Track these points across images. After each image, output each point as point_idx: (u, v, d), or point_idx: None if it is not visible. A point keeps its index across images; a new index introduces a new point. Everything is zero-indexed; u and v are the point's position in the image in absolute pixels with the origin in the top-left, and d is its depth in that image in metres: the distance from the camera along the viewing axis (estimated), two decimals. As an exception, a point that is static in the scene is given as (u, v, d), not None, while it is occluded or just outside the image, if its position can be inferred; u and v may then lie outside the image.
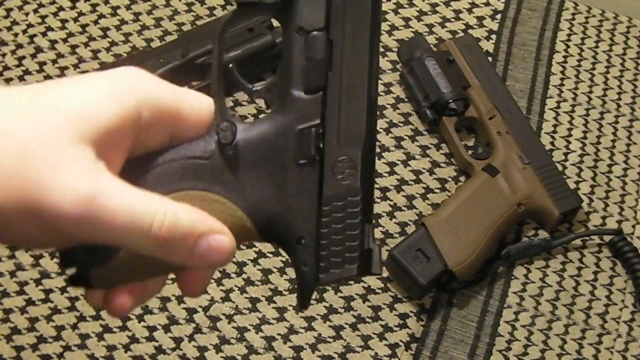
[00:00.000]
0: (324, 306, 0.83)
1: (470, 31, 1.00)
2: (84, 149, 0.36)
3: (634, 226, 0.90)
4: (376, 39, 0.44)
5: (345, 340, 0.81)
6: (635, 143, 0.95)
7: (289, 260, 0.41)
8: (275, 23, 0.96)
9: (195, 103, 0.42)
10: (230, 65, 0.48)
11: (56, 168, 0.35)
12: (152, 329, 0.80)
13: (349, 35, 0.43)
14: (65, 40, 0.97)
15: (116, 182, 0.37)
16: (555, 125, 0.95)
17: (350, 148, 0.43)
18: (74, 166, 0.35)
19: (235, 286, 0.83)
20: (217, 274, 0.83)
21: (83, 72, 0.94)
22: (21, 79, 0.94)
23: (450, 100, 0.91)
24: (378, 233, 0.86)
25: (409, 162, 0.91)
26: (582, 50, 1.01)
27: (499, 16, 1.02)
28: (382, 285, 0.84)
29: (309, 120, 0.43)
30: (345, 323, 0.82)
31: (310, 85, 0.43)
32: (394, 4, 1.02)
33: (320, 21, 0.43)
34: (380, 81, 0.96)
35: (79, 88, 0.37)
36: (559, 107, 0.97)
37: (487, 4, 1.03)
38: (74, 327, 0.80)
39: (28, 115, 0.36)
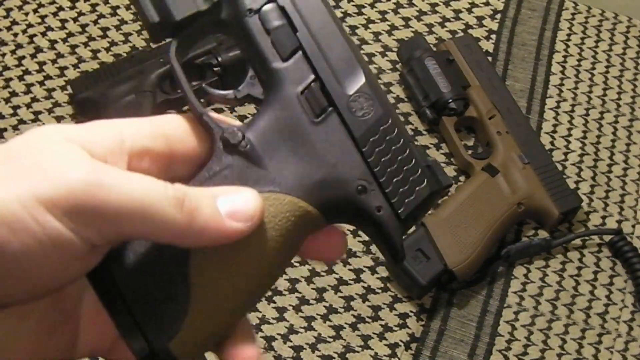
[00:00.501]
0: (324, 306, 0.83)
1: (470, 31, 1.00)
2: (73, 145, 0.35)
3: (633, 226, 0.90)
4: None
5: (345, 340, 0.81)
6: (634, 143, 0.95)
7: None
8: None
9: (180, 132, 0.40)
10: (203, 84, 0.47)
11: (52, 157, 0.34)
12: (152, 328, 0.80)
13: None
14: (65, 40, 0.97)
15: (115, 168, 0.35)
16: (555, 125, 0.95)
17: (355, 82, 0.43)
18: (70, 154, 0.34)
19: (235, 286, 0.83)
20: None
21: (82, 71, 0.94)
22: (21, 79, 0.94)
23: (450, 100, 0.91)
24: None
25: (408, 162, 0.91)
26: (581, 50, 1.01)
27: (498, 16, 1.02)
28: (382, 285, 0.84)
29: (303, 80, 0.42)
30: (345, 323, 0.82)
31: (285, 51, 0.43)
32: (394, 3, 1.02)
33: None
34: (380, 81, 0.96)
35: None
36: (558, 106, 0.97)
37: (487, 4, 1.03)
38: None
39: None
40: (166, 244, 0.36)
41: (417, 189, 0.42)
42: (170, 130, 0.40)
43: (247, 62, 0.44)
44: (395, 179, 0.42)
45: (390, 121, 0.42)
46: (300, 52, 0.43)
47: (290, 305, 0.82)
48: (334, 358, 0.80)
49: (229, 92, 0.44)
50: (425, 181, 0.42)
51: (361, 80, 0.43)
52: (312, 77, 0.43)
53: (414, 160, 0.42)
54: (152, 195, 0.34)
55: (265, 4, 0.43)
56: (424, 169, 0.42)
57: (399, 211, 0.41)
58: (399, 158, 0.42)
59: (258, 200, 0.38)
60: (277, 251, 0.39)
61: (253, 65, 0.44)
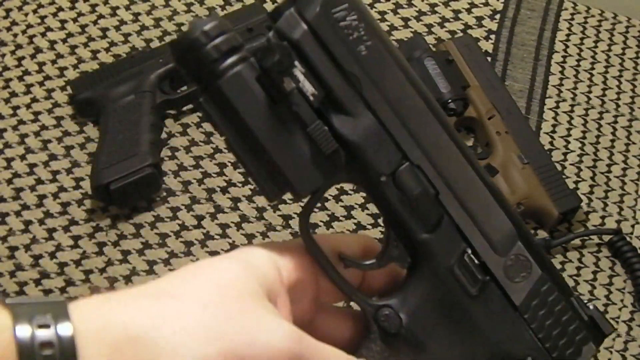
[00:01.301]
0: (324, 306, 0.83)
1: (469, 31, 1.00)
2: (265, 302, 0.36)
3: (633, 226, 0.90)
4: (454, 130, 0.41)
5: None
6: (634, 143, 0.95)
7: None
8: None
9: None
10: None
11: (255, 317, 0.35)
12: (151, 329, 0.80)
13: (429, 147, 0.40)
14: (64, 41, 0.97)
15: (312, 339, 0.37)
16: (554, 125, 0.95)
17: (509, 243, 0.40)
18: (269, 315, 0.35)
19: (235, 286, 0.83)
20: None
21: (82, 72, 0.94)
22: (21, 79, 0.94)
23: (450, 100, 0.91)
24: (377, 233, 0.86)
25: (408, 162, 0.91)
26: (581, 50, 1.01)
27: (498, 16, 1.02)
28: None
29: (454, 251, 0.39)
30: (345, 323, 0.82)
31: (431, 222, 0.39)
32: (393, 4, 1.02)
33: (397, 156, 0.39)
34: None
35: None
36: (558, 107, 0.97)
37: (486, 4, 1.03)
38: (74, 327, 0.80)
39: (206, 285, 0.36)
40: None
41: (584, 348, 0.40)
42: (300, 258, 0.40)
43: (385, 223, 0.41)
44: (559, 342, 0.40)
45: (549, 283, 0.40)
46: (446, 218, 0.40)
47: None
48: (334, 358, 0.80)
49: (372, 262, 0.41)
50: (591, 338, 0.40)
51: (515, 240, 0.40)
52: (464, 245, 0.40)
53: (576, 317, 0.40)
54: None
55: (399, 165, 0.39)
56: (587, 324, 0.40)
57: None
58: (563, 319, 0.40)
59: None
60: None
61: (394, 228, 0.40)
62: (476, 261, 0.40)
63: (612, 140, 0.95)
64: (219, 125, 0.38)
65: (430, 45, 0.96)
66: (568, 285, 0.41)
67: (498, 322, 0.39)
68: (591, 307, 0.41)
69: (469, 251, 0.40)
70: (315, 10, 0.38)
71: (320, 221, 0.86)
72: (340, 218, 0.87)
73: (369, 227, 0.86)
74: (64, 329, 0.32)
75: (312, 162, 0.38)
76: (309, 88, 0.38)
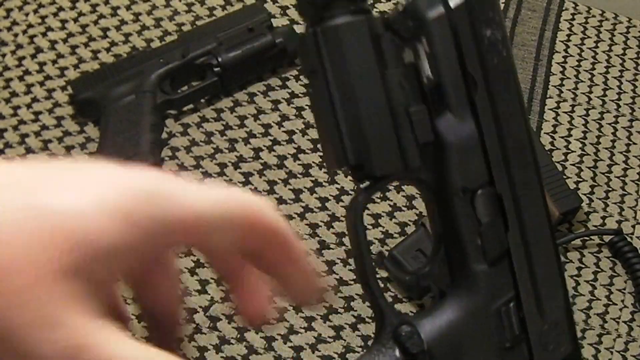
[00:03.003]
0: (324, 306, 0.83)
1: (470, 31, 1.00)
2: (76, 284, 0.29)
3: (633, 226, 0.90)
4: (541, 181, 0.38)
5: (345, 340, 0.81)
6: (635, 143, 0.95)
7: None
8: (275, 23, 0.96)
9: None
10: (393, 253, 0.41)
11: (42, 309, 0.28)
12: (152, 329, 0.80)
13: (518, 183, 0.37)
14: (65, 41, 0.97)
15: (110, 331, 0.30)
16: (555, 126, 0.95)
17: (552, 308, 0.38)
18: (63, 309, 0.28)
19: (235, 286, 0.83)
20: (217, 275, 0.83)
21: (83, 72, 0.94)
22: (21, 79, 0.94)
23: (450, 101, 0.90)
24: (378, 233, 0.86)
25: (408, 162, 0.91)
26: (581, 50, 1.01)
27: (498, 16, 1.02)
28: (382, 285, 0.84)
29: (502, 295, 0.37)
30: (345, 323, 0.82)
31: (492, 255, 0.37)
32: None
33: (483, 177, 0.37)
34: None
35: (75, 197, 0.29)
36: (558, 107, 0.97)
37: (487, 4, 1.03)
38: (74, 327, 0.80)
39: (19, 225, 0.28)
40: None
41: None
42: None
43: (439, 239, 0.38)
44: None
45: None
46: (506, 260, 0.37)
47: (290, 305, 0.82)
48: (334, 358, 0.80)
49: (411, 275, 0.38)
50: None
51: (561, 308, 0.38)
52: (512, 294, 0.37)
53: None
54: None
55: (483, 187, 0.37)
56: None
57: None
58: None
59: None
60: None
61: (447, 246, 0.38)
62: (518, 315, 0.38)
63: (613, 141, 0.95)
64: (320, 64, 0.35)
65: (431, 46, 0.96)
66: None
67: None
68: None
69: (515, 302, 0.38)
70: (460, 1, 0.36)
71: (321, 221, 0.86)
72: (341, 218, 0.87)
73: (369, 227, 0.86)
74: None
75: (401, 144, 0.35)
76: (426, 69, 0.36)
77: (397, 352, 0.35)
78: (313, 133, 0.91)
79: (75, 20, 0.98)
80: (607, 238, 0.88)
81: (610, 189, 0.92)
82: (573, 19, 1.03)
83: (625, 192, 0.92)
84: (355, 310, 0.83)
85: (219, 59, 0.90)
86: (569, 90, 0.98)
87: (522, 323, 0.37)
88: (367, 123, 0.35)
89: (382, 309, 0.36)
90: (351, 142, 0.35)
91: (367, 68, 0.35)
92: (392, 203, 0.89)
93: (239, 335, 0.80)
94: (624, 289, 0.86)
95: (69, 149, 0.89)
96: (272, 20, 0.95)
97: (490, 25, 0.37)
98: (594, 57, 1.01)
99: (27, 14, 0.98)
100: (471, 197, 0.37)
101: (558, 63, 1.00)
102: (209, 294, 0.82)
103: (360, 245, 0.36)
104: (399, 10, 0.36)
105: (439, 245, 0.38)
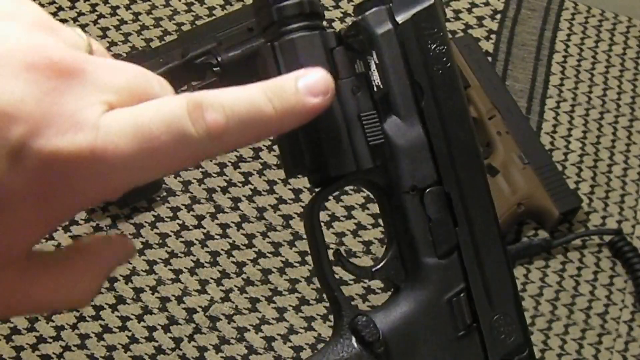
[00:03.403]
0: (324, 306, 0.83)
1: (470, 31, 1.00)
2: None
3: (633, 226, 0.90)
4: (486, 180, 0.41)
5: (345, 340, 0.81)
6: (635, 143, 0.95)
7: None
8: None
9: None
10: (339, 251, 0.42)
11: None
12: (151, 329, 0.80)
13: (465, 182, 0.40)
14: (64, 40, 0.96)
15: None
16: (555, 125, 0.95)
17: (503, 302, 0.40)
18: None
19: (235, 286, 0.83)
20: (216, 274, 0.83)
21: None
22: (20, 79, 0.93)
23: (450, 100, 0.90)
24: (378, 233, 0.86)
25: (408, 162, 0.91)
26: (581, 50, 1.01)
27: (498, 16, 1.02)
28: (382, 285, 0.84)
29: (453, 287, 0.39)
30: (345, 323, 0.82)
31: (442, 249, 0.39)
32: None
33: (432, 177, 0.40)
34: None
35: None
36: (558, 107, 0.97)
37: (487, 4, 1.03)
38: (74, 327, 0.80)
39: None
40: None
41: None
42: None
43: (391, 237, 0.41)
44: None
45: (526, 353, 0.40)
46: (456, 253, 0.40)
47: (290, 305, 0.82)
48: (334, 358, 0.80)
49: (365, 269, 0.41)
50: None
51: (510, 300, 0.40)
52: (462, 285, 0.40)
53: None
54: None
55: (431, 185, 0.40)
56: None
57: None
58: None
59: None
60: None
61: (399, 243, 0.40)
62: (469, 305, 0.40)
63: (613, 141, 0.95)
64: (278, 74, 0.37)
65: (431, 45, 0.96)
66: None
67: None
68: None
69: (465, 293, 0.40)
70: (406, 17, 0.40)
71: (320, 221, 0.86)
72: (341, 218, 0.87)
73: (369, 227, 0.86)
74: None
75: (353, 146, 0.39)
76: (376, 78, 0.40)
77: (355, 342, 0.38)
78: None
79: (75, 20, 0.98)
80: (607, 238, 0.88)
81: (610, 188, 0.92)
82: (573, 19, 1.03)
83: (625, 192, 0.92)
84: (355, 310, 0.83)
85: (219, 59, 0.90)
86: (569, 90, 0.98)
87: (474, 314, 0.40)
88: (322, 127, 0.38)
89: (339, 301, 0.39)
90: (307, 146, 0.38)
91: None
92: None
93: (238, 336, 0.80)
94: (624, 289, 0.86)
95: (68, 148, 0.89)
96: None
97: (434, 40, 0.40)
98: (594, 57, 1.01)
99: (26, 14, 0.98)
100: (420, 196, 0.40)
101: (558, 63, 1.00)
102: (209, 294, 0.82)
103: (318, 244, 0.40)
104: (350, 26, 0.40)
105: (391, 245, 0.41)
